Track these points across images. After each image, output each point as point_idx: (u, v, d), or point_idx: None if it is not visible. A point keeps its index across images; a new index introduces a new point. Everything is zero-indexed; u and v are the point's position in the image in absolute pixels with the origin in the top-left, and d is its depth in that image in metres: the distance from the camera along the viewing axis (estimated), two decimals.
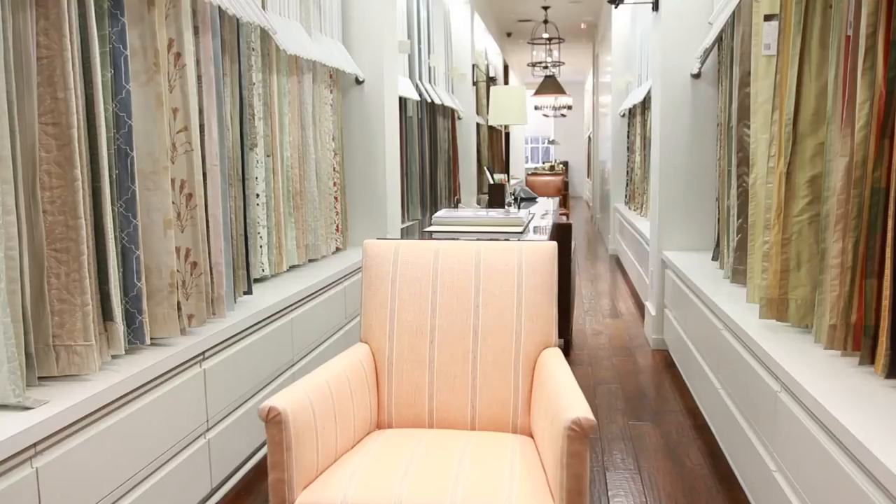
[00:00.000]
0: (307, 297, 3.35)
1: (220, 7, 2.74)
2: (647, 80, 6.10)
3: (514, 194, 5.25)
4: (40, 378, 1.99)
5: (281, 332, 3.05)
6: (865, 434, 1.61)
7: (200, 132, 2.66)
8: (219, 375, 2.55)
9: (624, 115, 8.49)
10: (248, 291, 3.06)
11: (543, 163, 20.63)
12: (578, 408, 1.67)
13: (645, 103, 6.53)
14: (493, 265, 2.21)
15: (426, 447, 1.92)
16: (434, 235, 3.33)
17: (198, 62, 2.66)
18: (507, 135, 12.72)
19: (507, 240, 2.39)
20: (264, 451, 2.98)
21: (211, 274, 2.67)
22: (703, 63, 4.33)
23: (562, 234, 4.35)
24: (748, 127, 3.20)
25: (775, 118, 2.56)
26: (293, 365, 3.19)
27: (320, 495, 1.71)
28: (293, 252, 3.75)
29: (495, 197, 5.27)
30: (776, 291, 2.52)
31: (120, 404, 2.03)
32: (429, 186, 6.46)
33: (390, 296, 2.22)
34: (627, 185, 8.02)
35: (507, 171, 12.23)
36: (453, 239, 2.60)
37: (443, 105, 6.93)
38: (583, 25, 12.69)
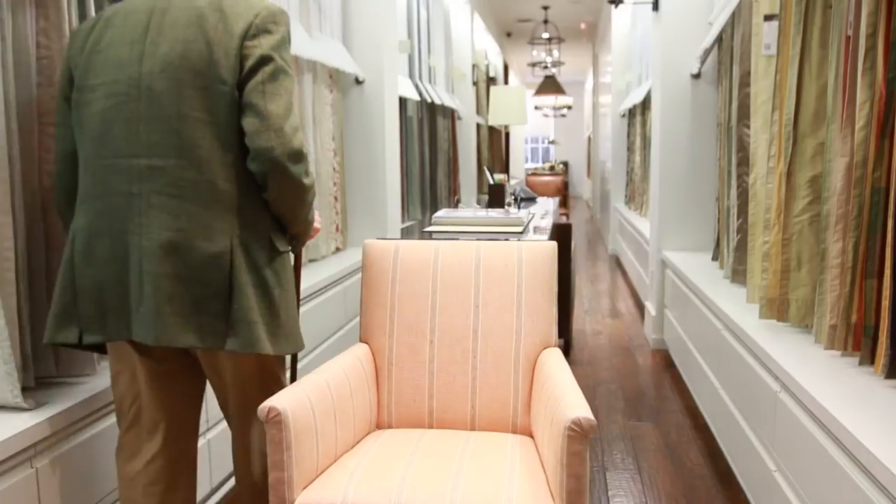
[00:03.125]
0: (307, 297, 3.35)
1: None
2: (647, 80, 6.10)
3: (514, 194, 5.25)
4: (40, 379, 1.98)
5: None
6: (865, 434, 1.61)
7: None
8: None
9: (624, 115, 8.49)
10: None
11: (543, 163, 20.64)
12: (578, 408, 1.67)
13: (645, 103, 6.52)
14: (493, 265, 2.21)
15: (426, 447, 1.92)
16: (434, 235, 3.33)
17: None
18: (507, 135, 12.72)
19: (507, 240, 2.39)
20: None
21: None
22: (703, 63, 4.33)
23: (562, 234, 4.35)
24: (748, 127, 3.20)
25: (775, 118, 2.56)
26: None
27: (320, 495, 1.71)
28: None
29: (495, 197, 5.26)
30: (776, 291, 2.52)
31: None
32: (429, 186, 6.46)
33: (390, 296, 2.21)
34: (627, 185, 8.02)
35: (507, 171, 12.23)
36: (453, 239, 2.60)
37: (443, 105, 6.93)
38: (583, 25, 12.70)
